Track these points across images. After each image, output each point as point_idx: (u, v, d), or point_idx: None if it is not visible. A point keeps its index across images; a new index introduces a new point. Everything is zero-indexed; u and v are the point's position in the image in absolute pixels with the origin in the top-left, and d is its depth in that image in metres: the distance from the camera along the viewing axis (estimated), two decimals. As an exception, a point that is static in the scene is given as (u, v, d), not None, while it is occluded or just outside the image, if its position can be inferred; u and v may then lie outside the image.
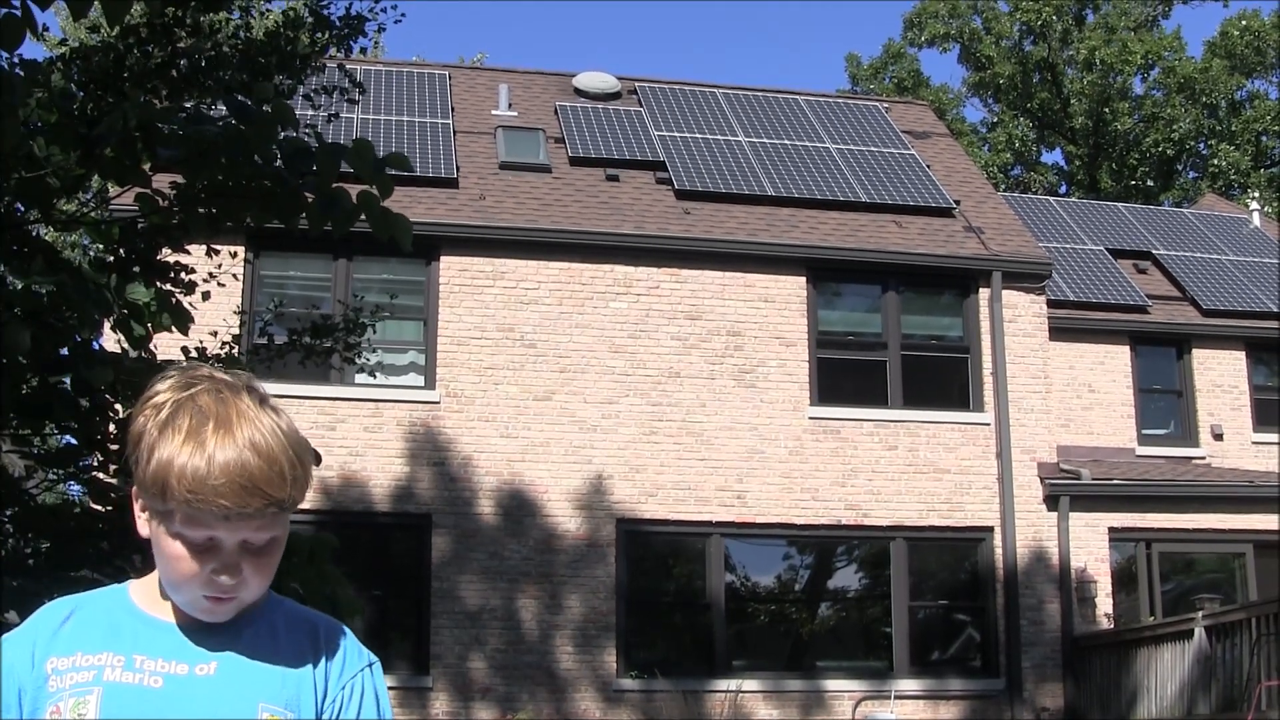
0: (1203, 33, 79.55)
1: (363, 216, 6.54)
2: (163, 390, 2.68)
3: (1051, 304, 24.08)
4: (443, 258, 21.48)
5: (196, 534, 2.60)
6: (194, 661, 2.70)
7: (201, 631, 2.73)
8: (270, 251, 21.08)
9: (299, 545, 7.31)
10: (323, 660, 2.80)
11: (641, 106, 26.24)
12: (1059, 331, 24.33)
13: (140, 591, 2.81)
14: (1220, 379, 26.12)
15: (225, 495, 2.55)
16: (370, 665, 2.88)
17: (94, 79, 8.63)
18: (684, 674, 20.87)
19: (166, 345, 9.84)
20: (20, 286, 6.60)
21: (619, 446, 21.30)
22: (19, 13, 6.13)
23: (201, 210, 7.28)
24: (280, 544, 2.73)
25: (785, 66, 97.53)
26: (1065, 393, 25.02)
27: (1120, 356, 25.71)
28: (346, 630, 2.90)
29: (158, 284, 7.76)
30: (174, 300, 7.61)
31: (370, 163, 6.40)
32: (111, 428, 7.73)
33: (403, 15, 10.80)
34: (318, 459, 7.67)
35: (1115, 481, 22.47)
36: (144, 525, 2.68)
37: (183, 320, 7.51)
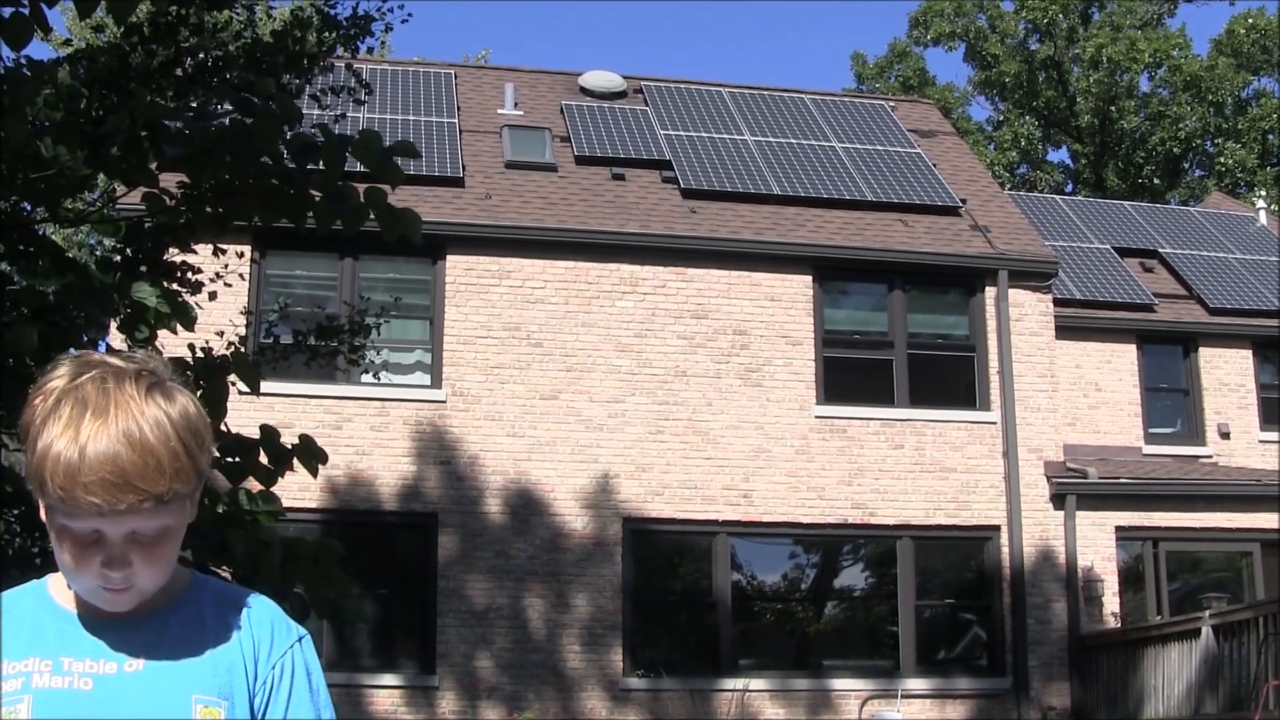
0: (1208, 31, 79.58)
1: (371, 215, 6.53)
2: (54, 379, 2.62)
3: (1058, 302, 24.06)
4: (449, 257, 21.49)
5: (78, 526, 2.55)
6: (122, 659, 2.66)
7: (128, 625, 2.69)
8: (276, 251, 21.08)
9: (304, 549, 7.30)
10: (251, 640, 2.76)
11: (647, 105, 26.24)
12: (1065, 330, 24.32)
13: (59, 585, 2.75)
14: (1227, 377, 26.09)
15: (95, 492, 2.49)
16: (300, 640, 2.84)
17: (99, 78, 8.63)
18: (690, 673, 20.87)
19: (172, 345, 9.84)
20: (25, 285, 6.60)
21: (625, 446, 21.30)
22: (27, 11, 6.13)
23: (208, 210, 7.27)
24: (174, 532, 2.64)
25: (791, 65, 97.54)
26: (1072, 391, 25.00)
27: (1127, 355, 25.69)
28: (274, 606, 2.86)
29: (164, 283, 7.75)
30: (179, 299, 7.60)
31: (377, 153, 6.38)
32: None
33: (409, 15, 10.78)
34: (324, 457, 7.66)
35: (1122, 480, 22.44)
36: (43, 513, 2.62)
37: (186, 316, 7.50)
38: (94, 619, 2.70)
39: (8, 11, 6.12)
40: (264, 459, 7.53)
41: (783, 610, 22.61)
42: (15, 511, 7.97)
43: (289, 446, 7.51)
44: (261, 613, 2.82)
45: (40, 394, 2.61)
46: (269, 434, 7.57)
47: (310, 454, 7.45)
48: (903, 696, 21.09)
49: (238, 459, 7.49)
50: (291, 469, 7.56)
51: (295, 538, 7.52)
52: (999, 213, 24.62)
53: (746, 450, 21.61)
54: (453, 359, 21.20)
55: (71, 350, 7.31)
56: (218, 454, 7.50)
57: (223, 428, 7.64)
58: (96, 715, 2.60)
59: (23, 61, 6.68)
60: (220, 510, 7.15)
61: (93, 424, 2.52)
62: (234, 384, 7.76)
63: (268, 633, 2.79)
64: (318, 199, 6.71)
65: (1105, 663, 21.10)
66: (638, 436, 21.36)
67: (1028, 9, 51.45)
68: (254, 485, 7.60)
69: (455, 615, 20.38)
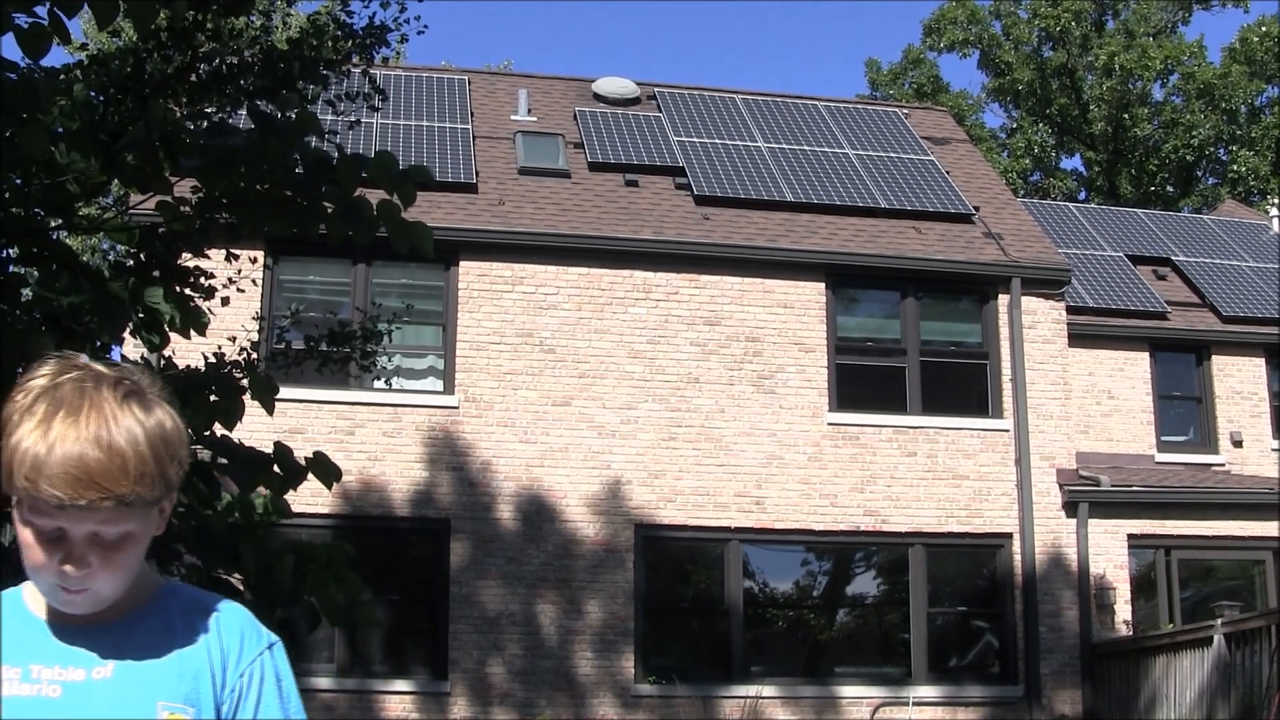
0: (1222, 38, 79.49)
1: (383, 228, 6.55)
2: (36, 377, 2.68)
3: (1071, 310, 24.06)
4: (462, 263, 21.50)
5: (43, 523, 2.59)
6: (90, 665, 2.69)
7: (96, 631, 2.72)
8: (289, 256, 21.09)
9: (315, 553, 7.33)
10: (220, 648, 2.79)
11: (660, 112, 26.25)
12: (1078, 338, 24.29)
13: (33, 593, 2.79)
14: (1240, 385, 26.05)
15: (58, 486, 2.54)
16: (270, 647, 2.87)
17: (114, 83, 8.64)
18: (702, 679, 20.86)
19: (186, 350, 9.87)
20: (35, 294, 6.63)
21: (638, 452, 21.30)
22: (46, 21, 6.16)
23: (221, 218, 7.30)
24: (136, 539, 2.68)
25: (804, 72, 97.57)
26: (1084, 399, 24.98)
27: (1139, 363, 25.66)
28: (244, 612, 2.89)
29: (177, 288, 7.78)
30: (191, 305, 7.63)
31: (393, 175, 6.42)
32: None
33: (425, 26, 10.79)
34: (338, 474, 7.67)
35: (1134, 488, 22.42)
36: (14, 510, 2.67)
37: (199, 322, 7.53)
38: (64, 626, 2.74)
39: (25, 21, 6.15)
40: (277, 470, 7.57)
41: (794, 617, 22.59)
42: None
43: (302, 462, 7.53)
44: (231, 620, 2.85)
45: (22, 390, 2.67)
46: (282, 451, 7.61)
47: (325, 470, 7.47)
48: (914, 703, 21.09)
49: (250, 473, 7.51)
50: (305, 480, 7.59)
51: (306, 543, 7.55)
52: (1012, 220, 24.61)
53: (759, 457, 21.61)
54: (465, 365, 21.21)
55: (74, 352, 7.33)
56: (226, 461, 7.54)
57: (236, 440, 7.67)
58: None
59: (35, 69, 6.70)
60: (231, 520, 7.17)
61: (64, 423, 2.58)
62: (244, 389, 7.79)
63: (237, 640, 2.82)
64: (330, 210, 6.73)
65: (1117, 670, 21.07)
66: (650, 443, 21.36)
67: (1041, 17, 51.43)
68: (264, 491, 7.64)
69: (467, 621, 20.40)
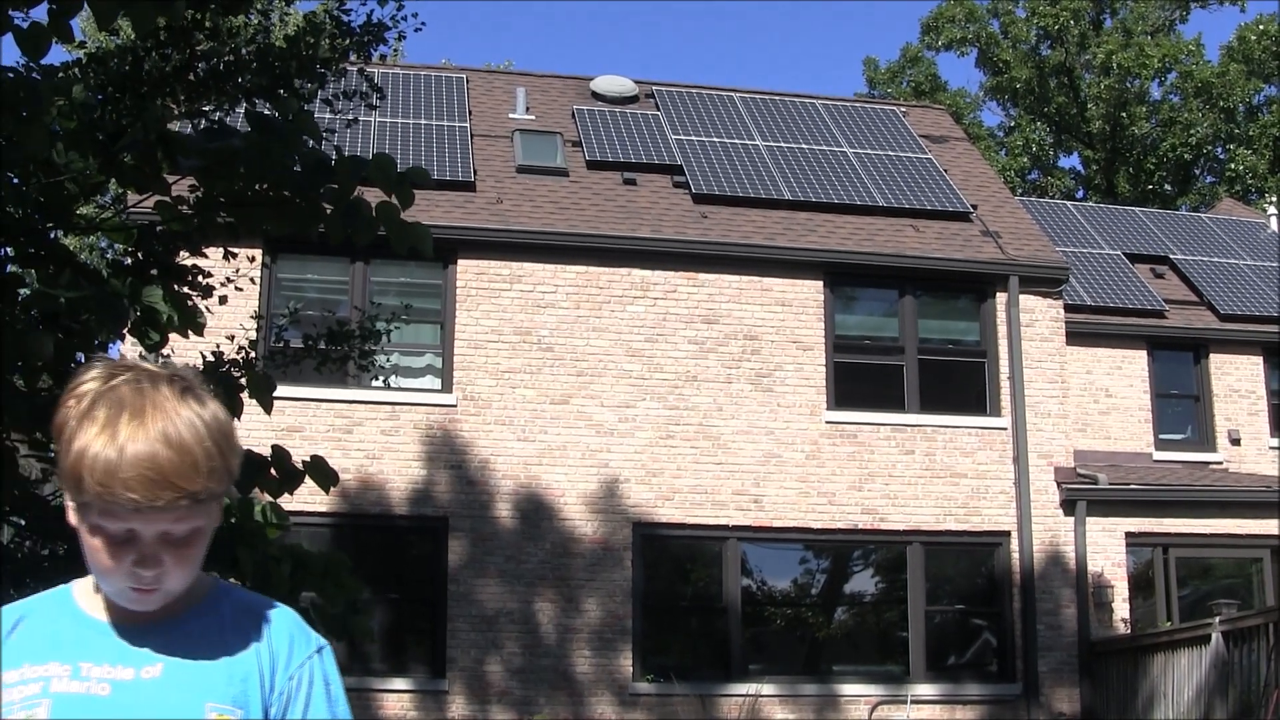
0: (1220, 37, 79.49)
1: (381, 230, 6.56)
2: (86, 381, 2.67)
3: (1068, 308, 24.04)
4: (460, 261, 21.49)
5: (113, 526, 2.59)
6: (140, 665, 2.70)
7: (147, 630, 2.73)
8: (287, 255, 21.09)
9: (314, 563, 7.33)
10: (269, 651, 2.80)
11: (659, 110, 26.24)
12: (1076, 336, 24.27)
13: (83, 591, 2.80)
14: (1238, 384, 26.04)
15: (134, 488, 2.53)
16: (319, 650, 2.88)
17: (112, 82, 8.64)
18: (700, 678, 20.86)
19: (184, 349, 9.88)
20: (37, 290, 6.63)
21: (636, 450, 21.30)
22: (46, 21, 6.16)
23: (221, 218, 7.30)
24: (204, 534, 2.70)
25: (802, 70, 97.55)
26: (1082, 397, 24.97)
27: (1137, 361, 25.64)
28: (294, 616, 2.89)
29: (174, 287, 7.78)
30: (189, 304, 7.63)
31: (391, 177, 6.43)
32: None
33: (423, 24, 10.79)
34: (335, 479, 7.68)
35: (1132, 486, 22.41)
36: (72, 515, 2.66)
37: (196, 322, 7.54)
38: (113, 625, 2.74)
39: (24, 21, 6.15)
40: (274, 474, 7.58)
41: (793, 615, 22.59)
42: (23, 519, 7.98)
43: (300, 465, 7.54)
44: (281, 624, 2.86)
45: (74, 396, 2.66)
46: (280, 454, 7.61)
47: (322, 474, 7.49)
48: (912, 701, 21.09)
49: (248, 476, 7.52)
50: (302, 483, 7.61)
51: (305, 551, 7.57)
52: (1010, 218, 24.61)
53: (757, 455, 21.60)
54: (463, 363, 21.21)
55: (80, 355, 7.35)
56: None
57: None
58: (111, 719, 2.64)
59: (33, 68, 6.70)
60: (231, 522, 7.18)
61: (130, 424, 2.57)
62: (242, 386, 7.80)
63: (286, 644, 2.83)
64: (329, 210, 6.74)
65: (1115, 668, 21.08)
66: (648, 441, 21.36)
67: (1039, 15, 51.43)
68: (263, 494, 7.65)
69: (466, 619, 20.39)
